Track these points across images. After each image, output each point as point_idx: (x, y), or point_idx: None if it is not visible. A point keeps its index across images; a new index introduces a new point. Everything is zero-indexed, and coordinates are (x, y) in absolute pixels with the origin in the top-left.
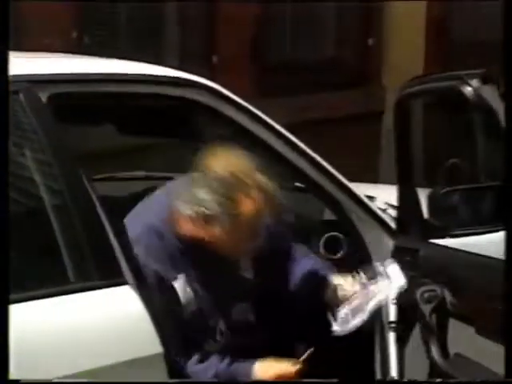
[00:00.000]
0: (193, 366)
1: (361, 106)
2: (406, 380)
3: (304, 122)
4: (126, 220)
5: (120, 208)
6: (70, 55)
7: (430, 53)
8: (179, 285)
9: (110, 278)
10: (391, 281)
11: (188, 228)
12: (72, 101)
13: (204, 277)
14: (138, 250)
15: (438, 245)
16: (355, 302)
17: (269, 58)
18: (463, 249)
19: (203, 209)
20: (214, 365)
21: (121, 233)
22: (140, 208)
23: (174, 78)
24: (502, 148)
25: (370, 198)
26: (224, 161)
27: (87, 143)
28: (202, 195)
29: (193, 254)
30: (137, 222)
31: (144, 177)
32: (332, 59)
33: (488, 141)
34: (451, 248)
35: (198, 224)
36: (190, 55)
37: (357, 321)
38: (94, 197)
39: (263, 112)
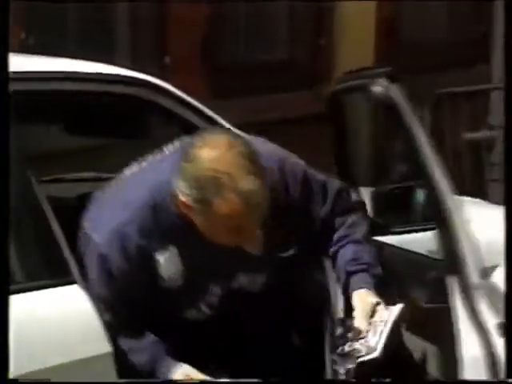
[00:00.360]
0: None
1: (315, 106)
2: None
3: (259, 123)
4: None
5: (69, 209)
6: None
7: (380, 52)
8: (166, 257)
9: (58, 277)
10: None
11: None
12: (19, 99)
13: (198, 249)
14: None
15: (380, 242)
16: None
17: (221, 58)
18: (404, 246)
19: (184, 198)
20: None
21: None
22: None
23: (125, 76)
24: (407, 147)
25: None
26: (214, 153)
27: (35, 144)
28: (182, 187)
29: (186, 229)
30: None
31: (93, 178)
32: (284, 60)
33: (396, 140)
34: (390, 245)
35: (184, 208)
36: (141, 56)
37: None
38: (42, 198)
39: (216, 113)
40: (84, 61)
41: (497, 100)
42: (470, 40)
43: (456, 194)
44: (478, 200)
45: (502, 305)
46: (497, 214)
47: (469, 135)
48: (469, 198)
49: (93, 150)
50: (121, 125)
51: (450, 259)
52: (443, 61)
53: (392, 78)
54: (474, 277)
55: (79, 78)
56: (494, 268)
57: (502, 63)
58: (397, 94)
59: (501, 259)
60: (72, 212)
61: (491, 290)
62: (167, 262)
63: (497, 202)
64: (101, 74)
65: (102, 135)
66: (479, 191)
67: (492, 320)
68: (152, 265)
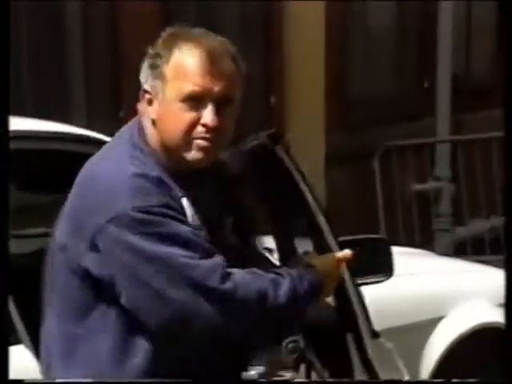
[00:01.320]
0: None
1: None
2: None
3: None
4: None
5: (20, 266)
6: None
7: (330, 109)
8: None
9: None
10: None
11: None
12: None
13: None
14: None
15: None
16: None
17: None
18: None
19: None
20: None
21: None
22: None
23: (78, 135)
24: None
25: (269, 250)
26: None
27: None
28: (143, 78)
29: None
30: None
31: (44, 233)
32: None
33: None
34: None
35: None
36: (97, 111)
37: None
38: None
39: None
40: (35, 119)
41: (442, 152)
42: (415, 94)
43: (405, 244)
44: (426, 252)
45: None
46: (442, 264)
47: (417, 186)
48: (417, 250)
49: (42, 205)
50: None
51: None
52: (390, 115)
53: (276, 139)
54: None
55: (29, 137)
56: (436, 320)
57: (446, 116)
58: (281, 152)
59: (447, 311)
60: (24, 269)
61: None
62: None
63: (444, 252)
64: (50, 132)
65: (52, 191)
66: (427, 241)
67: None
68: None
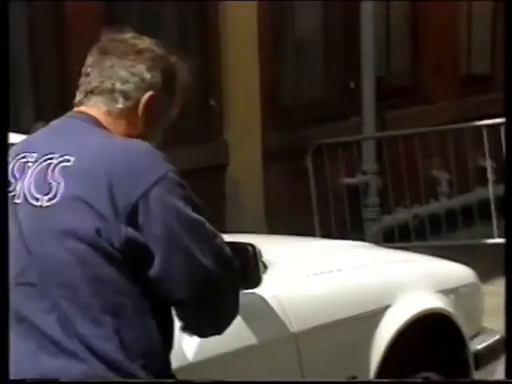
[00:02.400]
0: None
1: (206, 160)
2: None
3: None
4: None
5: None
6: None
7: (265, 111)
8: None
9: None
10: None
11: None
12: None
13: None
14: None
15: None
16: None
17: None
18: None
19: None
20: None
21: None
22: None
23: None
24: None
25: None
26: None
27: None
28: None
29: None
30: None
31: None
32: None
33: None
34: None
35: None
36: (44, 112)
37: None
38: None
39: None
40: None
41: (369, 148)
42: (343, 95)
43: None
44: (366, 244)
45: None
46: (382, 255)
47: (346, 180)
48: (358, 243)
49: None
50: None
51: None
52: (320, 115)
53: None
54: None
55: None
56: (383, 309)
57: (371, 115)
58: None
59: (392, 300)
60: None
61: None
62: None
63: (374, 239)
64: None
65: None
66: (358, 230)
67: None
68: None
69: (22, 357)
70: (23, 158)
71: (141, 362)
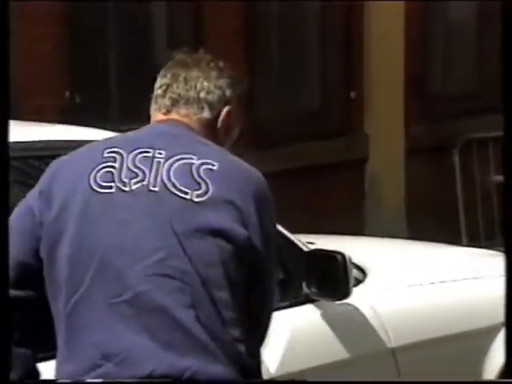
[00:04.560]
0: None
1: (345, 154)
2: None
3: (294, 169)
4: None
5: None
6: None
7: (409, 102)
8: None
9: None
10: None
11: None
12: None
13: None
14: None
15: None
16: None
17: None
18: None
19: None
20: None
21: None
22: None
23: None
24: None
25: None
26: None
27: None
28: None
29: None
30: None
31: None
32: (318, 111)
33: None
34: None
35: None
36: None
37: None
38: None
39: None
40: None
41: None
42: (496, 86)
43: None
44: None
45: None
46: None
47: (496, 177)
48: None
49: None
50: None
51: None
52: (470, 108)
53: None
54: None
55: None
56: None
57: None
58: None
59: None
60: None
61: None
62: None
63: None
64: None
65: None
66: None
67: None
68: None
69: (146, 353)
70: (146, 153)
71: (259, 367)
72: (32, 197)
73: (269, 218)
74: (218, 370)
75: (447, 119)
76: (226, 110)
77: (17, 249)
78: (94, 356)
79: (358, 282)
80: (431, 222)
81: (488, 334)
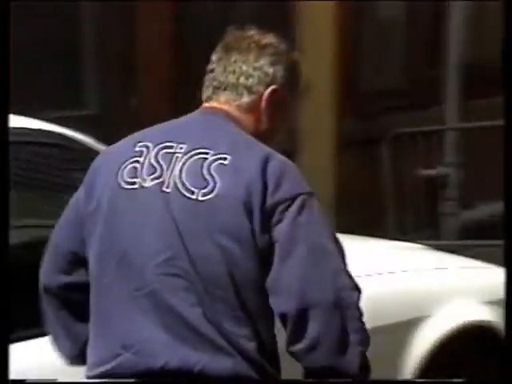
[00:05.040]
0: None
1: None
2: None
3: None
4: None
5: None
6: None
7: (340, 98)
8: None
9: None
10: None
11: None
12: None
13: None
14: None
15: None
16: None
17: None
18: None
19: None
20: None
21: None
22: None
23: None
24: None
25: None
26: None
27: None
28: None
29: None
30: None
31: (35, 225)
32: None
33: None
34: None
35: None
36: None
37: None
38: None
39: None
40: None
41: (450, 140)
42: (425, 83)
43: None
44: (423, 247)
45: None
46: (436, 260)
47: (425, 171)
48: (414, 245)
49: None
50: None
51: None
52: (400, 103)
53: None
54: None
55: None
56: (423, 318)
57: (455, 105)
58: None
59: (435, 308)
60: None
61: None
62: None
63: (449, 235)
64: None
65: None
66: (433, 224)
67: None
68: None
69: (161, 346)
70: (169, 147)
71: (273, 364)
72: (80, 188)
73: (305, 216)
74: (228, 364)
75: (377, 114)
76: (270, 89)
77: (63, 236)
78: (115, 346)
79: None
80: (360, 215)
81: (409, 326)
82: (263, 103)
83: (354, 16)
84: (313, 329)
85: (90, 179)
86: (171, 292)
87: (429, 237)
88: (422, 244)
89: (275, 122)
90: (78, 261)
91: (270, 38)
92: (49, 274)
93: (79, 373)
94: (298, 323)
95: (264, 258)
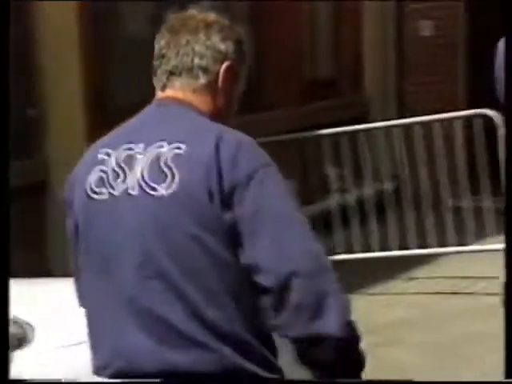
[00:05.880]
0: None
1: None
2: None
3: None
4: None
5: None
6: None
7: (91, 118)
8: None
9: None
10: None
11: None
12: None
13: None
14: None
15: None
16: None
17: None
18: None
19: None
20: None
21: None
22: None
23: None
24: None
25: None
26: None
27: None
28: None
29: None
30: None
31: None
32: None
33: None
34: None
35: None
36: None
37: None
38: None
39: None
40: None
41: None
42: None
43: None
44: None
45: None
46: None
47: None
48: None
49: None
50: None
51: None
52: None
53: None
54: None
55: None
56: None
57: None
58: None
59: None
60: None
61: None
62: None
63: None
64: None
65: None
66: None
67: None
68: None
69: (145, 352)
70: (129, 149)
71: (263, 345)
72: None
73: (266, 187)
74: (214, 362)
75: None
76: (224, 66)
77: (73, 260)
78: (109, 354)
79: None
80: None
81: None
82: (220, 81)
83: (97, 31)
84: (292, 298)
85: (68, 192)
86: (150, 295)
87: None
88: None
89: (231, 97)
90: None
91: (213, 16)
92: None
93: None
94: (278, 295)
95: (233, 239)
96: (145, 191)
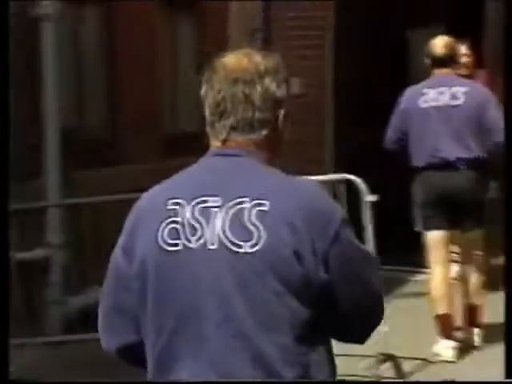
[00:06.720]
0: None
1: None
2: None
3: None
4: None
5: None
6: None
7: None
8: None
9: None
10: None
11: None
12: None
13: None
14: None
15: None
16: None
17: None
18: None
19: None
20: None
21: None
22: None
23: None
24: None
25: None
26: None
27: None
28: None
29: None
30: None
31: None
32: None
33: None
34: None
35: None
36: None
37: None
38: None
39: None
40: None
41: (52, 217)
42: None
43: None
44: None
45: None
46: None
47: (19, 255)
48: None
49: None
50: None
51: None
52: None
53: None
54: None
55: None
56: None
57: (56, 177)
58: None
59: None
60: None
61: None
62: None
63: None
64: None
65: None
66: (38, 316)
67: None
68: None
69: None
70: (203, 202)
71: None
72: (118, 251)
73: (353, 242)
74: None
75: None
76: (281, 114)
77: (111, 303)
78: None
79: None
80: None
81: None
82: (279, 130)
83: None
84: (361, 329)
85: (127, 241)
86: (229, 352)
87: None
88: None
89: (284, 137)
90: (131, 321)
91: (266, 59)
92: (107, 340)
93: None
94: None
95: (318, 296)
96: (226, 247)
